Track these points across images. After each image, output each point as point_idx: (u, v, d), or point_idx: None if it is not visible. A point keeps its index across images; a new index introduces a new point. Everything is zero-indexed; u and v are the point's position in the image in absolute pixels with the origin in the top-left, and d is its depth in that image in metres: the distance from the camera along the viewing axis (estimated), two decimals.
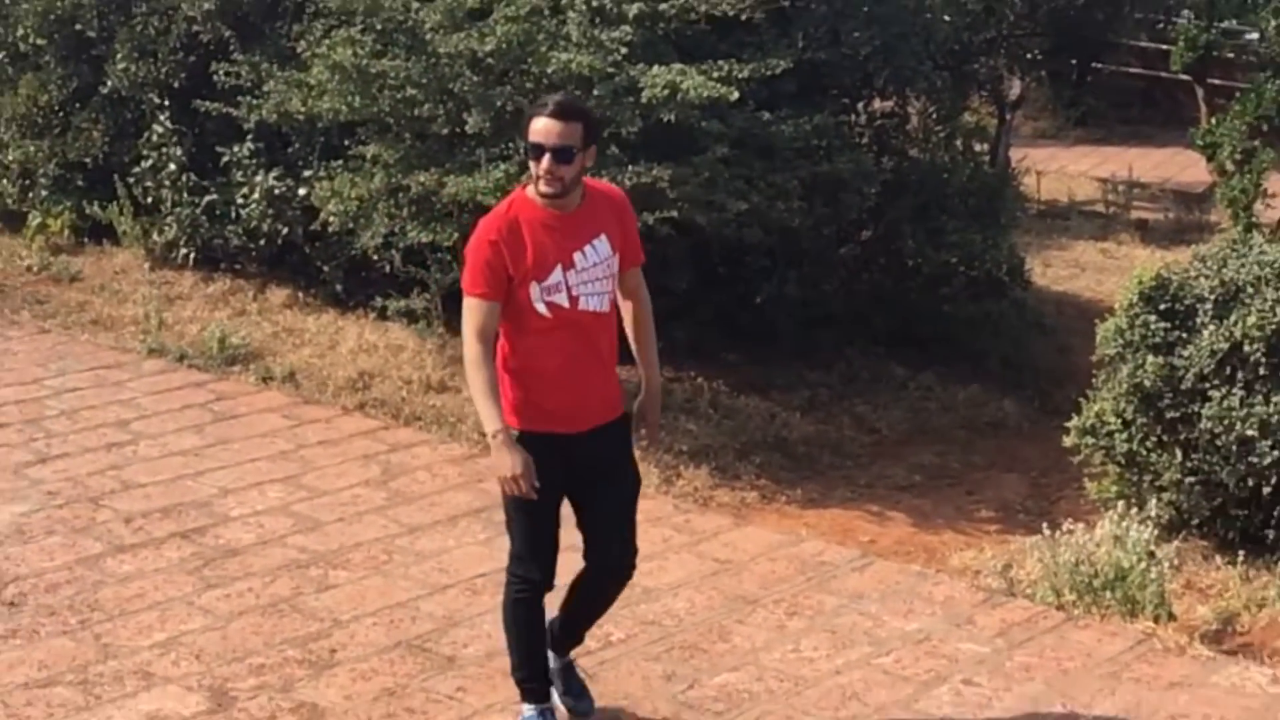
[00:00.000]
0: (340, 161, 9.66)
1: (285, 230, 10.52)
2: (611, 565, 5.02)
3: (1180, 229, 18.17)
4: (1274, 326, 7.19)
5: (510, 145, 8.69)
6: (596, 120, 5.16)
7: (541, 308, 4.77)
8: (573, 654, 5.36)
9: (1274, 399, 7.10)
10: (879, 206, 10.70)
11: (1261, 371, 7.19)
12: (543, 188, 4.77)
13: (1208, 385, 7.24)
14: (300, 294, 10.71)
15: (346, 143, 9.68)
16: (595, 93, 8.55)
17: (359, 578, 6.58)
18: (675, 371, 9.42)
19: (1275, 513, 7.55)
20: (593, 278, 4.83)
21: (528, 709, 5.21)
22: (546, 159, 4.72)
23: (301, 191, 10.14)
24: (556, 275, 4.77)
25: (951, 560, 7.33)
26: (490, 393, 4.67)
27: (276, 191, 10.44)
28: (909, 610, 6.47)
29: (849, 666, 5.92)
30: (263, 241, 10.72)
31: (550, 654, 5.23)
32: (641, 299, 5.14)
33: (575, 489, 4.92)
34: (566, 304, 4.79)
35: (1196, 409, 7.25)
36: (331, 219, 9.40)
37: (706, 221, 8.68)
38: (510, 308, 4.76)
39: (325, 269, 10.55)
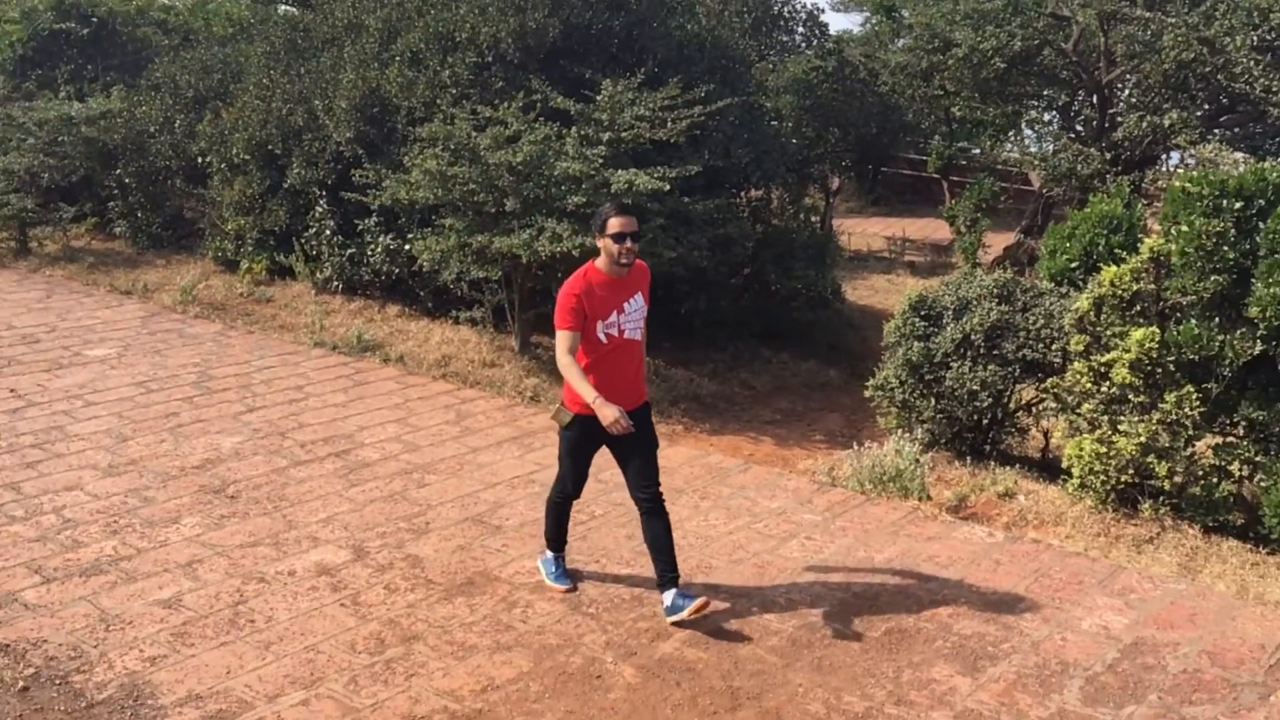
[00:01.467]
0: (430, 228, 9.59)
1: (397, 270, 10.43)
2: (643, 497, 4.81)
3: (934, 267, 18.28)
4: (989, 324, 7.22)
5: (533, 219, 8.65)
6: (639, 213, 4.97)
7: (602, 337, 4.69)
8: (681, 582, 4.93)
9: (989, 368, 7.14)
10: (754, 254, 10.73)
11: (981, 352, 7.23)
12: (623, 260, 4.65)
13: (950, 359, 7.28)
14: (406, 309, 10.60)
15: (433, 217, 9.60)
16: (583, 186, 8.51)
17: (442, 479, 6.56)
18: None
19: (990, 436, 7.62)
20: (633, 318, 4.77)
21: (548, 554, 5.22)
22: (628, 241, 4.62)
23: (407, 247, 10.05)
24: (613, 317, 4.70)
25: (799, 465, 7.35)
26: (583, 377, 4.58)
27: (391, 247, 10.35)
28: (773, 495, 6.50)
29: (737, 530, 5.95)
30: (383, 277, 10.61)
31: (668, 593, 4.83)
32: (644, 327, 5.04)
33: (616, 448, 4.79)
34: (617, 334, 4.72)
35: (943, 374, 7.29)
36: (425, 263, 9.32)
37: (650, 264, 8.64)
38: (584, 337, 4.67)
39: (421, 293, 10.45)
